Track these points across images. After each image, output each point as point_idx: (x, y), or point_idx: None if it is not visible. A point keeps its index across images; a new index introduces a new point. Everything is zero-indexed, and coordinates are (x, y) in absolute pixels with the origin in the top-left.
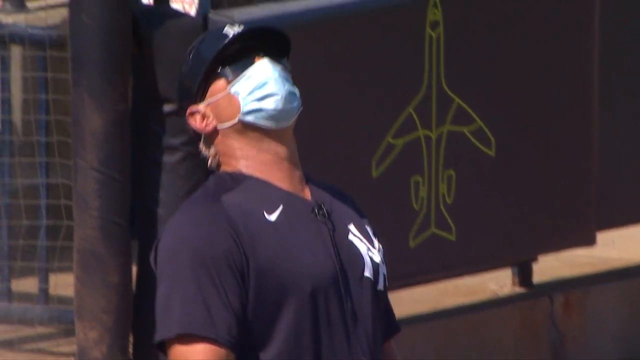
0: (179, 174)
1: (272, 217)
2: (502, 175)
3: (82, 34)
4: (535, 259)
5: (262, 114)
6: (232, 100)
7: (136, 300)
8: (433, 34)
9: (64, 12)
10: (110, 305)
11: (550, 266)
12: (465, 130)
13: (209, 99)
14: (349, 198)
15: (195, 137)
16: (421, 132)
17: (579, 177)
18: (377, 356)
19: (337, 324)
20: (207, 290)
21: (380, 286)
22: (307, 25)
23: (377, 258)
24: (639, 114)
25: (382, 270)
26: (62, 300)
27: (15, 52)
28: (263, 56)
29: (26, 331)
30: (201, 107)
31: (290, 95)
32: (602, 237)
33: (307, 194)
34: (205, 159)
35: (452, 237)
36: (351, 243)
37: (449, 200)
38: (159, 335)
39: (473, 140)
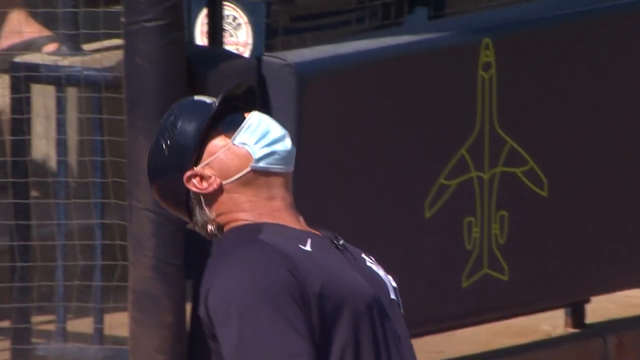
0: None
1: (308, 248)
2: (554, 216)
3: (137, 75)
4: (588, 300)
5: (275, 157)
6: (238, 152)
7: (190, 340)
8: (485, 75)
9: (119, 54)
10: (165, 345)
11: (603, 307)
12: (518, 171)
13: (206, 159)
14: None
15: (184, 209)
16: (474, 174)
17: (631, 219)
18: None
19: (389, 343)
20: (283, 324)
21: (402, 310)
22: (359, 67)
23: (393, 283)
24: None
25: (398, 295)
26: (116, 340)
27: (71, 94)
28: (249, 110)
29: None
30: (198, 169)
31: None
32: None
33: (316, 231)
34: (204, 228)
35: (505, 278)
36: (372, 269)
37: (501, 241)
38: None
39: (525, 181)
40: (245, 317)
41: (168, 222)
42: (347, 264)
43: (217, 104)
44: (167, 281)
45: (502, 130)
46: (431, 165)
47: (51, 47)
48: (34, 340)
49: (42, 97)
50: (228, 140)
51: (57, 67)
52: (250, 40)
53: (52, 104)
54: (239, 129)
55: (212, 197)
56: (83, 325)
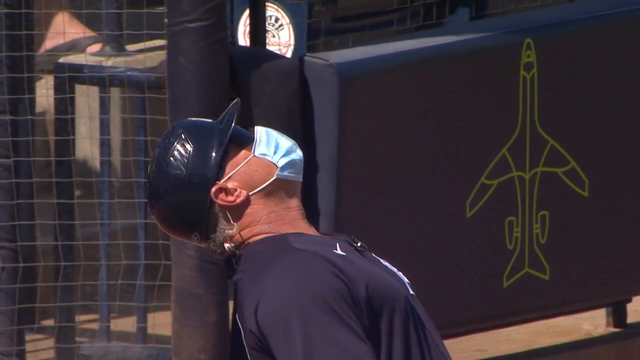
0: None
1: (340, 252)
2: (595, 215)
3: (180, 76)
4: (629, 299)
5: (294, 166)
6: (260, 163)
7: (232, 338)
8: (527, 75)
9: (162, 55)
10: (208, 344)
11: None
12: (559, 171)
13: (229, 172)
14: None
15: (200, 226)
16: (515, 173)
17: None
18: None
19: (427, 336)
20: (345, 330)
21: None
22: (401, 67)
23: (407, 280)
24: None
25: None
26: (160, 339)
27: (115, 94)
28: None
29: None
30: (222, 183)
31: None
32: None
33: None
34: (221, 245)
35: (546, 277)
36: (389, 267)
37: (542, 241)
38: None
39: (567, 181)
40: (307, 326)
41: None
42: (374, 264)
43: (229, 118)
44: (209, 280)
45: (543, 130)
46: (473, 165)
47: (95, 47)
48: (77, 339)
49: (86, 98)
50: (248, 153)
51: (100, 68)
52: (292, 41)
53: (95, 104)
54: (256, 141)
55: (239, 209)
56: (126, 324)
